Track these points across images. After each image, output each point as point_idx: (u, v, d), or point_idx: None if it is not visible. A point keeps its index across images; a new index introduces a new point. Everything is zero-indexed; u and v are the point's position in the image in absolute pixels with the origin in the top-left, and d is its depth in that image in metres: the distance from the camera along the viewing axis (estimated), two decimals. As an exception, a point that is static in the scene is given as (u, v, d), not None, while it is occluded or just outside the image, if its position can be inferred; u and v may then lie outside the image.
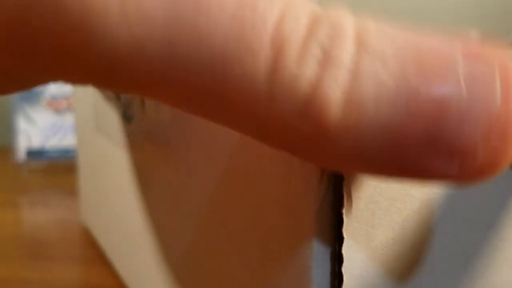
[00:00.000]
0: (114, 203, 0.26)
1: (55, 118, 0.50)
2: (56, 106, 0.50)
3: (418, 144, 0.08)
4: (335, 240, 0.10)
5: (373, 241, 0.10)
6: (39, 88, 0.50)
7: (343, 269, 0.10)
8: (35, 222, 0.37)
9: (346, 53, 0.08)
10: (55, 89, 0.50)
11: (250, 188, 0.12)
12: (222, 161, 0.14)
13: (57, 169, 0.51)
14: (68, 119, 0.51)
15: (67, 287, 0.26)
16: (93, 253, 0.30)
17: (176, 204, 0.18)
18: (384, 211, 0.10)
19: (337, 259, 0.10)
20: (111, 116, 0.25)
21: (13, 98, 0.49)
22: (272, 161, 0.11)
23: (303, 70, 0.08)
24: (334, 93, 0.08)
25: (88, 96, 0.30)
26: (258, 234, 0.12)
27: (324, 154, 0.08)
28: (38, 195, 0.44)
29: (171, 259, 0.18)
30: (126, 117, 0.22)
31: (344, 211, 0.10)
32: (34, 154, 0.50)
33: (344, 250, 0.10)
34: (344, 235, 0.10)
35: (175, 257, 0.18)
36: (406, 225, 0.11)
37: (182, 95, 0.09)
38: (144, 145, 0.20)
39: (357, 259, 0.10)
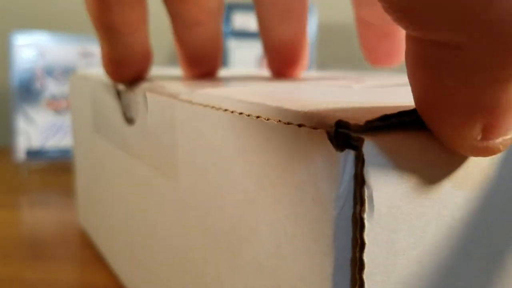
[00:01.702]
0: (113, 206, 0.25)
1: (55, 118, 0.50)
2: (56, 106, 0.50)
3: None
4: (355, 246, 0.10)
5: (394, 246, 0.10)
6: (38, 88, 0.49)
7: (364, 276, 0.10)
8: (34, 222, 0.37)
9: None
10: (55, 89, 0.50)
11: (264, 193, 0.12)
12: (234, 166, 0.14)
13: (57, 169, 0.51)
14: (68, 119, 0.50)
15: (67, 287, 0.26)
16: (92, 254, 0.30)
17: (181, 208, 0.17)
18: (405, 215, 0.10)
19: (357, 266, 0.10)
20: (111, 117, 0.24)
21: (13, 98, 0.49)
22: (288, 166, 0.11)
23: None
24: None
25: (85, 97, 0.29)
26: (274, 241, 0.12)
27: None
28: (37, 195, 0.43)
29: (173, 262, 0.18)
30: (127, 119, 0.22)
31: (365, 216, 0.09)
32: (33, 154, 0.50)
33: (366, 256, 0.10)
34: (366, 240, 0.10)
35: (179, 259, 0.18)
36: (427, 229, 0.10)
37: None
38: (146, 148, 0.20)
39: (378, 265, 0.10)
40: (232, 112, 0.13)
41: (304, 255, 0.11)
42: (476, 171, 0.11)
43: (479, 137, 0.09)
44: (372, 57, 0.24)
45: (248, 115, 0.12)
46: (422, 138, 0.10)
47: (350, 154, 0.09)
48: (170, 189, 0.18)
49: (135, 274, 0.23)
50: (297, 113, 0.11)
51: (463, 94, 0.09)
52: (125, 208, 0.23)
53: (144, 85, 0.21)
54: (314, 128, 0.10)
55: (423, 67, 0.09)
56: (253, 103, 0.13)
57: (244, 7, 0.53)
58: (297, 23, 0.23)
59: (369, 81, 0.21)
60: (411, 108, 0.10)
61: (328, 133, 0.10)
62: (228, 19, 0.52)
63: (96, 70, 0.33)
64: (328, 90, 0.17)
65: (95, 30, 0.21)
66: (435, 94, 0.09)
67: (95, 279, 0.27)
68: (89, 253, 0.30)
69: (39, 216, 0.38)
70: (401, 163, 0.10)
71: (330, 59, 0.55)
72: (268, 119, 0.12)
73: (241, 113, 0.13)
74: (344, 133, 0.10)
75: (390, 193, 0.10)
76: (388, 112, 0.10)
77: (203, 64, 0.24)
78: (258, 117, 0.12)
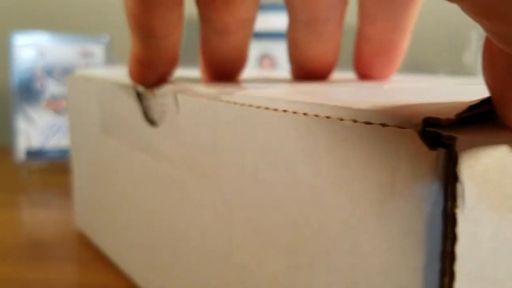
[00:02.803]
0: (127, 208, 0.25)
1: (55, 118, 0.50)
2: (56, 107, 0.50)
3: None
4: (445, 240, 0.10)
5: (477, 238, 0.10)
6: (38, 88, 0.49)
7: (456, 268, 0.10)
8: (34, 222, 0.36)
9: None
10: (55, 89, 0.50)
11: (336, 192, 0.12)
12: (296, 166, 0.14)
13: (57, 169, 0.51)
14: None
15: (66, 287, 0.26)
16: (92, 254, 0.30)
17: (223, 209, 0.17)
18: (486, 208, 0.10)
19: (448, 258, 0.10)
20: (127, 119, 0.24)
21: (13, 98, 0.48)
22: (368, 164, 0.11)
23: None
24: None
25: (89, 98, 0.29)
26: (349, 239, 0.12)
27: None
28: (37, 195, 0.43)
29: (212, 262, 0.18)
30: (149, 120, 0.22)
31: (457, 211, 0.10)
32: (33, 154, 0.49)
33: (458, 249, 0.10)
34: (458, 234, 0.10)
35: (220, 260, 0.18)
36: (502, 221, 0.11)
37: None
38: (177, 150, 0.20)
39: (467, 257, 0.10)
40: (294, 113, 0.14)
41: (389, 251, 0.11)
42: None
43: None
44: (365, 71, 0.24)
45: (316, 116, 0.13)
46: (504, 133, 0.11)
47: (441, 152, 0.10)
48: (208, 190, 0.18)
49: (157, 276, 0.23)
50: (377, 113, 0.11)
51: None
52: (144, 209, 0.23)
53: (168, 87, 0.21)
54: (400, 127, 0.10)
55: (506, 72, 0.10)
56: (314, 104, 0.13)
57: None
58: (328, 42, 0.22)
59: (389, 82, 0.21)
60: (487, 97, 0.11)
61: (419, 132, 0.10)
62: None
63: (97, 70, 0.32)
64: (366, 90, 0.17)
65: (130, 30, 0.21)
66: None
67: (94, 279, 0.27)
68: (88, 253, 0.30)
69: (39, 216, 0.37)
70: (486, 158, 0.10)
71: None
72: (341, 119, 0.12)
73: (305, 114, 0.13)
74: (433, 131, 0.10)
75: (478, 188, 0.10)
76: (461, 105, 0.11)
77: (226, 72, 0.23)
78: (328, 117, 0.12)
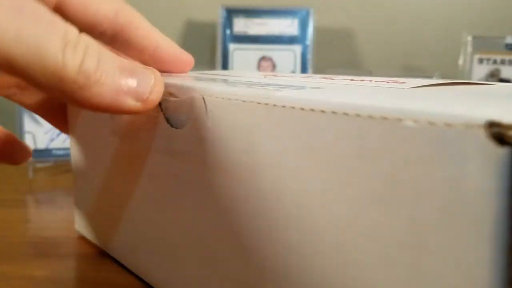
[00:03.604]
0: (144, 209, 0.24)
1: (60, 119, 0.50)
2: (60, 108, 0.50)
3: None
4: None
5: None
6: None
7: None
8: (40, 220, 0.36)
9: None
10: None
11: (392, 191, 0.12)
12: (348, 166, 0.14)
13: (62, 169, 0.50)
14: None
15: (73, 284, 0.26)
16: (97, 251, 0.30)
17: (260, 209, 0.17)
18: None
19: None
20: (143, 121, 0.23)
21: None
22: (430, 163, 0.12)
23: None
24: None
25: None
26: (410, 234, 0.12)
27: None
28: (43, 194, 0.43)
29: (242, 262, 0.18)
30: (169, 122, 0.21)
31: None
32: (39, 154, 0.49)
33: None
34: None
35: (251, 258, 0.17)
36: None
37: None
38: (206, 151, 0.19)
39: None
40: (345, 114, 0.14)
41: (455, 244, 0.11)
42: None
43: None
44: None
45: (371, 117, 0.13)
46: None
47: (507, 150, 0.10)
48: (240, 188, 0.18)
49: (177, 276, 0.22)
50: (441, 114, 0.11)
51: None
52: (163, 209, 0.23)
53: (191, 90, 0.20)
54: (466, 127, 0.11)
55: None
56: (366, 105, 0.13)
57: (244, 12, 0.53)
58: None
59: (401, 83, 0.22)
60: None
61: (489, 133, 0.10)
62: (228, 24, 0.52)
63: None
64: (396, 91, 0.17)
65: None
66: None
67: (100, 276, 0.27)
68: (96, 249, 0.30)
69: (44, 215, 0.37)
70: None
71: (326, 63, 0.56)
72: (400, 120, 0.12)
73: (358, 115, 0.13)
74: (498, 131, 0.10)
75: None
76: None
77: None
78: (384, 118, 0.13)
